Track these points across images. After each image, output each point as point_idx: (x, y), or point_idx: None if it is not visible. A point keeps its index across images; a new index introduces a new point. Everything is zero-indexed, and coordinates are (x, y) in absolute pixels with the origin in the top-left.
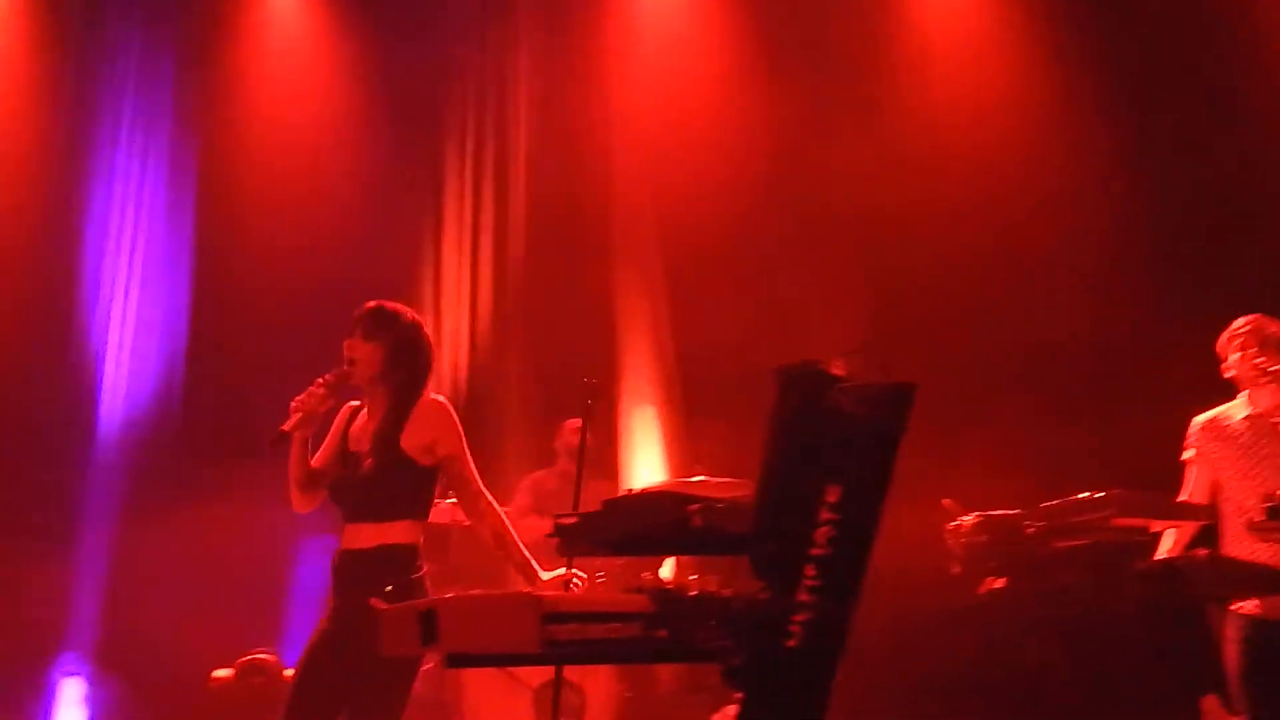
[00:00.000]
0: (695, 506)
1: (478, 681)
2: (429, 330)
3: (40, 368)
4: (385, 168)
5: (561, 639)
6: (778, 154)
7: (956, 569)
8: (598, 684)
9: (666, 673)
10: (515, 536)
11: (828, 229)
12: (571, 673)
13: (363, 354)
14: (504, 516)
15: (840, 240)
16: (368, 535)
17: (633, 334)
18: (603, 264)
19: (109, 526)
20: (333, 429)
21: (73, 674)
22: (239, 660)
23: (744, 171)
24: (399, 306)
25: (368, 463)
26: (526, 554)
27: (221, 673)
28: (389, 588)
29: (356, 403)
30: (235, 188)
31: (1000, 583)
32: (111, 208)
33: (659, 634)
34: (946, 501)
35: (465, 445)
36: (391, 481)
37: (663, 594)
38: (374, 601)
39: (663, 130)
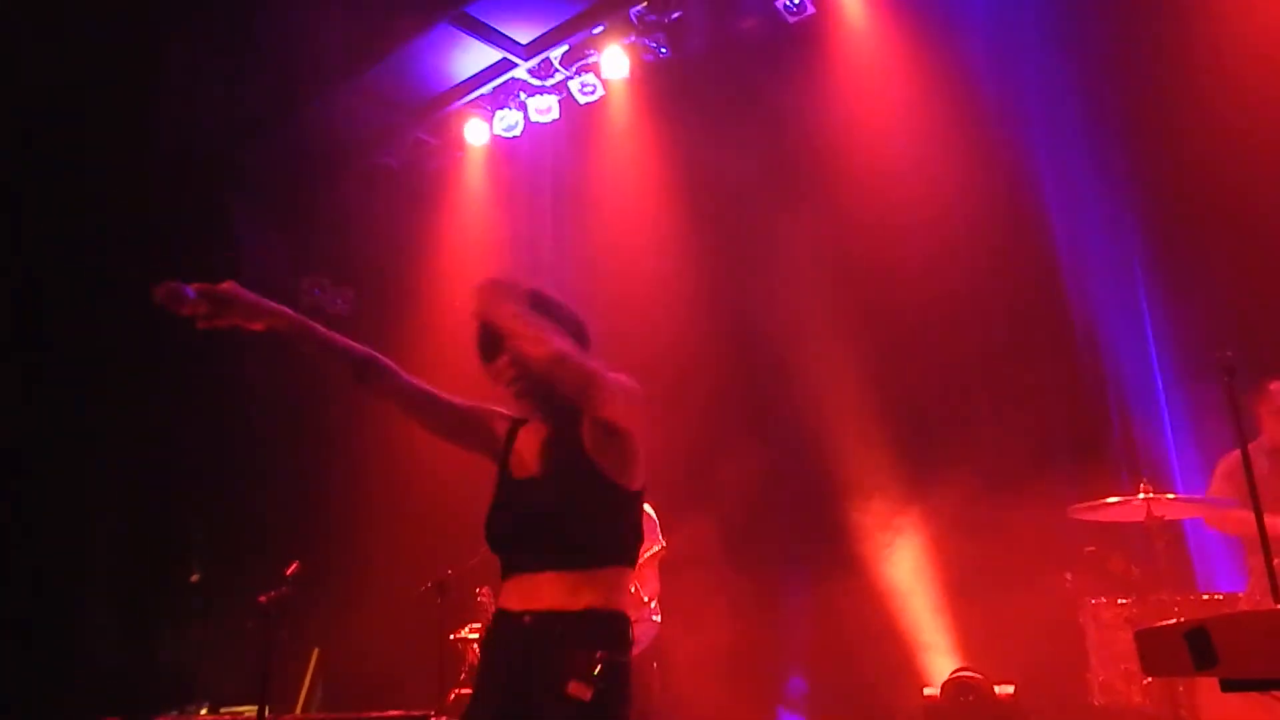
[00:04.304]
0: None
1: (1218, 696)
2: None
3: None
4: None
5: None
6: None
7: None
8: None
9: None
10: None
11: None
12: None
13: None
14: None
15: None
16: (558, 590)
17: None
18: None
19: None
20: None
21: (794, 694)
22: (947, 679)
23: None
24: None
25: (547, 487)
26: None
27: (930, 691)
28: (598, 665)
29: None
30: None
31: None
32: None
33: None
34: None
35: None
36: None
37: None
38: (574, 686)
39: None
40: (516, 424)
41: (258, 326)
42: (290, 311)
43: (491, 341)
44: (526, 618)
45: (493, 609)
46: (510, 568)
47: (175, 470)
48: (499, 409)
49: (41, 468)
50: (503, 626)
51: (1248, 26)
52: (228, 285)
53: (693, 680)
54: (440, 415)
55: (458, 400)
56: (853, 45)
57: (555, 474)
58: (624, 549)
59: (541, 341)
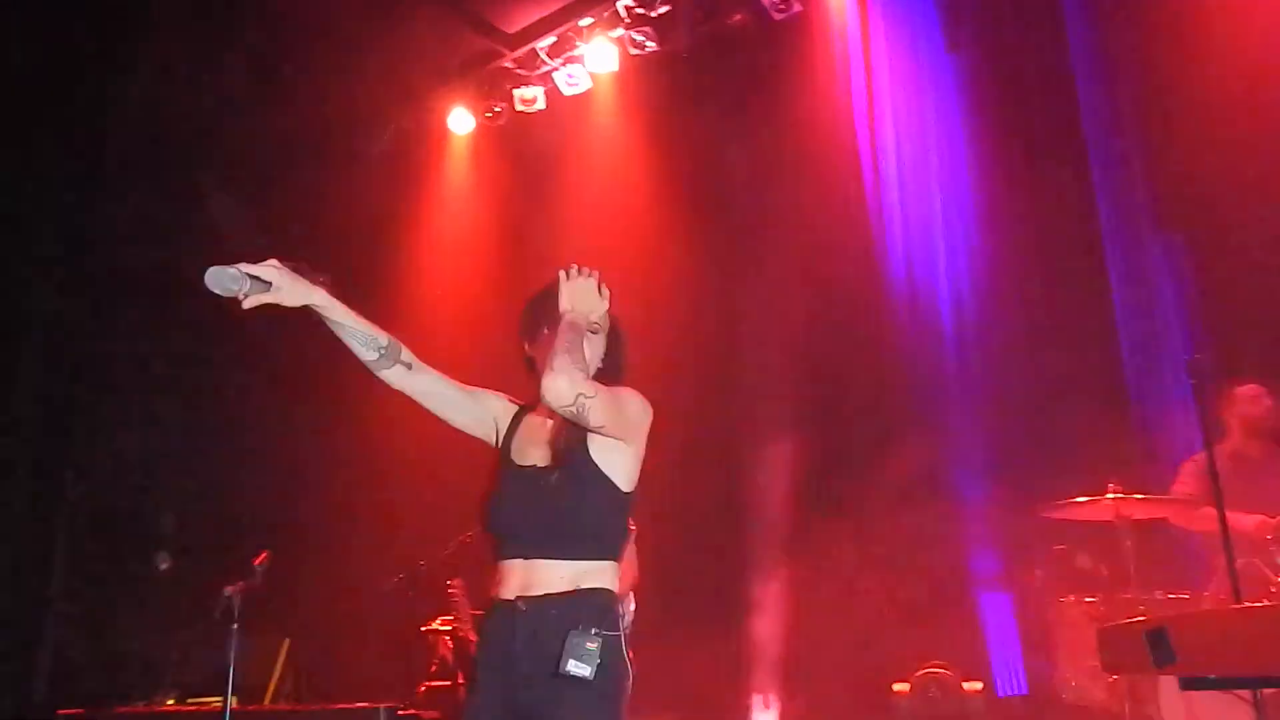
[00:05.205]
0: None
1: (1179, 692)
2: None
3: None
4: None
5: None
6: None
7: None
8: None
9: None
10: None
11: None
12: None
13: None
14: None
15: None
16: (551, 577)
17: None
18: None
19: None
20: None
21: (761, 689)
22: (916, 674)
23: None
24: None
25: (555, 479)
26: None
27: (900, 687)
28: (593, 640)
29: (508, 398)
30: None
31: None
32: None
33: None
34: None
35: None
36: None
37: None
38: (572, 665)
39: None
40: (522, 409)
41: (294, 304)
42: (324, 291)
43: (540, 323)
44: (520, 604)
45: (464, 601)
46: (506, 553)
47: (144, 458)
48: (502, 394)
49: (7, 455)
50: (497, 615)
51: (1239, 28)
52: (273, 263)
53: (663, 682)
54: (448, 403)
55: (464, 386)
56: (838, 43)
57: (559, 466)
58: (613, 546)
59: (554, 356)
